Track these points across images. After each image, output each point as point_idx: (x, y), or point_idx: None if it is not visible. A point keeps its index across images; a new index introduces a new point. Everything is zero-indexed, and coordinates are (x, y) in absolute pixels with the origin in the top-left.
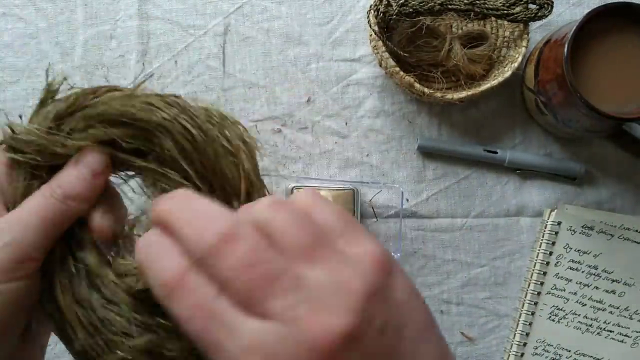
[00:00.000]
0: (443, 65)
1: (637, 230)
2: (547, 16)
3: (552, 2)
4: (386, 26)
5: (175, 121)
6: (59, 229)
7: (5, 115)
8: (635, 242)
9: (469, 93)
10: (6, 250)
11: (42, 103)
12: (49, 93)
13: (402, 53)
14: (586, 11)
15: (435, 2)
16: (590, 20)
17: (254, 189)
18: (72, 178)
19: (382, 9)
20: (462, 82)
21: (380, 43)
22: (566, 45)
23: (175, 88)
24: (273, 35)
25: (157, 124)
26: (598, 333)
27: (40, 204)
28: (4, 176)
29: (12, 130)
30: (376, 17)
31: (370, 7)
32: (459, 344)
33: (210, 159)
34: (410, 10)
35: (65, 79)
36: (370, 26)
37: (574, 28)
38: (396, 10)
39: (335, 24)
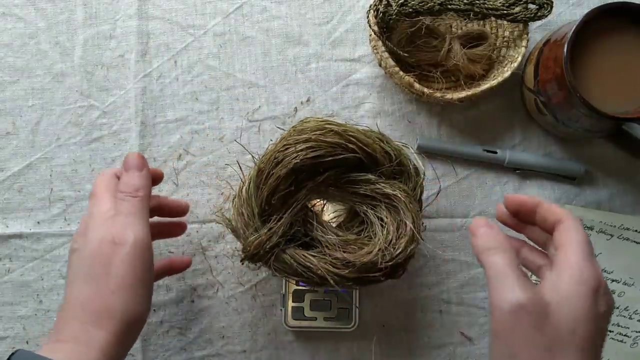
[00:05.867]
0: (443, 65)
1: (636, 230)
2: (546, 16)
3: (552, 2)
4: (386, 26)
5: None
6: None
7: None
8: (634, 242)
9: (469, 93)
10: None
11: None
12: None
13: (401, 53)
14: (586, 11)
15: (434, 2)
16: (590, 20)
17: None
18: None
19: (381, 8)
20: (462, 82)
21: (379, 43)
22: (566, 45)
23: (175, 88)
24: (272, 35)
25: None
26: None
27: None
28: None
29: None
30: (376, 17)
31: (370, 7)
32: (459, 343)
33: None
34: (410, 10)
35: None
36: (369, 26)
37: (574, 28)
38: (396, 10)
39: (334, 23)
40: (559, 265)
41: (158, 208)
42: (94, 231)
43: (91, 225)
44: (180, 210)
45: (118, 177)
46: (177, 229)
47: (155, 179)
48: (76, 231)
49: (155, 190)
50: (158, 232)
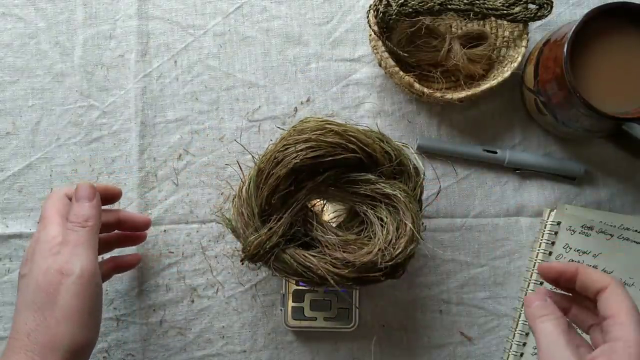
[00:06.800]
0: (443, 65)
1: (636, 230)
2: (546, 16)
3: (552, 2)
4: (386, 26)
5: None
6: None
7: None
8: (634, 242)
9: (469, 93)
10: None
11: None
12: None
13: (401, 53)
14: (586, 11)
15: (434, 2)
16: (590, 20)
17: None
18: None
19: (381, 8)
20: (462, 82)
21: (379, 43)
22: (566, 45)
23: (175, 88)
24: (272, 35)
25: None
26: None
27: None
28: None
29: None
30: (376, 17)
31: (370, 7)
32: (459, 343)
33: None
34: (410, 10)
35: None
36: (369, 26)
37: (574, 28)
38: (396, 10)
39: (334, 23)
40: (613, 338)
41: (119, 223)
42: (40, 259)
43: (38, 251)
44: (141, 226)
45: (69, 197)
46: (136, 240)
47: (113, 197)
48: (24, 255)
49: (156, 190)
50: (116, 243)
